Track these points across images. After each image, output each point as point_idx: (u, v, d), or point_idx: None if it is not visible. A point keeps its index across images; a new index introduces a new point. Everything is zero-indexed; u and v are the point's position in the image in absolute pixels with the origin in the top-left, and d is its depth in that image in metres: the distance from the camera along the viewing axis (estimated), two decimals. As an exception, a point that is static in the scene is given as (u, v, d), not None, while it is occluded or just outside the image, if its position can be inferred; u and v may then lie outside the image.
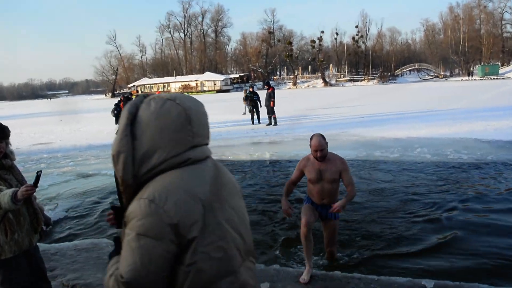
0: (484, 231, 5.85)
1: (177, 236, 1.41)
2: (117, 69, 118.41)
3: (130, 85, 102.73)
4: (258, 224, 6.54)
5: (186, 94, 1.90)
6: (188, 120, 1.54)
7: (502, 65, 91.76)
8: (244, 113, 25.67)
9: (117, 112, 19.83)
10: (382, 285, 4.21)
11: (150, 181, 1.49)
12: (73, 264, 5.14)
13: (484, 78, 78.06)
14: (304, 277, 4.37)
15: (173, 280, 1.44)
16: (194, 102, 1.62)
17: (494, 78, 75.58)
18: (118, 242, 1.61)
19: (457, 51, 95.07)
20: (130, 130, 1.51)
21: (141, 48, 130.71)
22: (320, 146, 4.45)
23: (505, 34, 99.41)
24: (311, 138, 4.56)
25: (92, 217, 7.65)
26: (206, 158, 1.62)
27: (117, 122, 19.60)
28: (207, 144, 1.65)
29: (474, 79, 78.33)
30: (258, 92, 21.70)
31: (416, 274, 4.64)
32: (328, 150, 4.59)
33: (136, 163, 1.51)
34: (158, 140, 1.50)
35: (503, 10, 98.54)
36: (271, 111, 20.08)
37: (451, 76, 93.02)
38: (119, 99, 22.39)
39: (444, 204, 7.10)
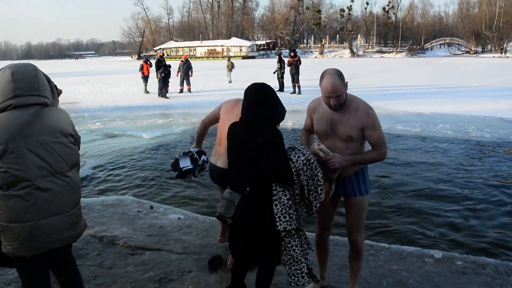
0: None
1: None
2: (143, 31, 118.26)
3: (156, 48, 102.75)
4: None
5: (28, 62, 2.74)
6: (11, 79, 2.47)
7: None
8: (230, 82, 26.30)
9: (165, 72, 20.06)
10: (392, 253, 4.39)
11: None
12: (100, 218, 5.45)
13: (517, 55, 75.87)
14: None
15: None
16: (23, 67, 2.56)
17: (527, 56, 73.43)
18: None
19: (491, 26, 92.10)
20: None
21: (168, 11, 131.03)
22: (334, 92, 3.03)
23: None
24: (321, 77, 3.15)
25: (117, 175, 7.98)
26: (28, 105, 2.48)
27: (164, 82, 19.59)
28: (34, 95, 2.52)
29: (506, 57, 76.22)
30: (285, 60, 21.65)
31: (426, 246, 4.83)
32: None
33: None
34: None
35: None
36: (296, 80, 20.11)
37: (483, 52, 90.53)
38: (143, 60, 22.62)
39: (459, 179, 7.21)
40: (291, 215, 2.95)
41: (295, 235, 3.01)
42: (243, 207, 2.91)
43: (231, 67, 27.03)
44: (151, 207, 5.84)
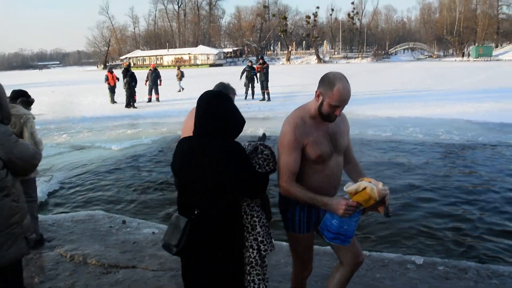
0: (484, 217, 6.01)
1: None
2: (109, 41, 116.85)
3: (122, 57, 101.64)
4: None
5: None
6: None
7: (496, 46, 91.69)
8: (179, 91, 26.06)
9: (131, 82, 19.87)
10: (373, 260, 4.34)
11: None
12: (70, 235, 5.23)
13: (478, 59, 78.01)
14: None
15: None
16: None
17: (487, 60, 75.56)
18: None
19: (452, 31, 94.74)
20: None
21: (134, 20, 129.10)
22: (348, 100, 2.67)
23: (500, 16, 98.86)
24: (330, 82, 2.64)
25: (86, 189, 7.72)
26: None
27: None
28: None
29: (467, 60, 78.30)
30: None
31: (407, 252, 4.79)
32: None
33: None
34: None
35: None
36: (265, 87, 20.13)
37: (445, 56, 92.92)
38: (107, 70, 22.26)
39: (433, 183, 7.25)
40: (270, 235, 2.76)
41: (261, 267, 2.69)
42: (190, 234, 2.54)
43: (180, 76, 26.88)
44: (124, 221, 5.65)
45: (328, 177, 2.80)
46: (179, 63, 64.01)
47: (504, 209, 6.03)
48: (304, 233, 2.89)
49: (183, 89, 25.76)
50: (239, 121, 2.59)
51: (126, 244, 4.92)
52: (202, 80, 29.73)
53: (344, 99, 2.61)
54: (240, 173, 2.48)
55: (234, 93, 3.74)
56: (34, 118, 4.69)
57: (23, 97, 4.89)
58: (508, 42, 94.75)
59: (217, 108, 2.53)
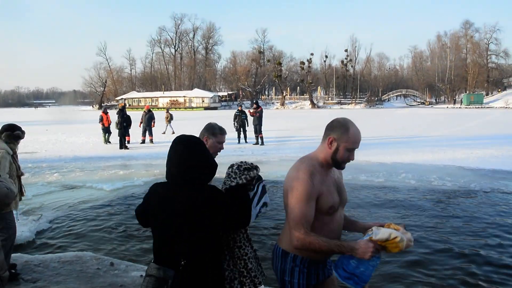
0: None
1: None
2: (105, 81, 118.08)
3: (118, 98, 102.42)
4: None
5: None
6: None
7: (487, 94, 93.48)
8: (164, 132, 26.04)
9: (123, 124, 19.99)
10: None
11: None
12: (56, 277, 5.11)
13: (469, 106, 79.36)
14: None
15: None
16: None
17: (478, 107, 76.88)
18: None
19: (443, 78, 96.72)
20: None
21: (131, 62, 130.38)
22: (359, 142, 2.63)
23: (490, 64, 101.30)
24: (344, 126, 2.60)
25: (75, 230, 7.60)
26: None
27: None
28: None
29: (459, 107, 79.53)
30: (246, 111, 21.89)
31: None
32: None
33: None
34: None
35: (488, 41, 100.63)
36: (258, 131, 20.22)
37: (436, 103, 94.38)
38: (101, 111, 22.38)
39: (426, 223, 7.21)
40: (260, 264, 2.79)
41: None
42: (178, 286, 2.42)
43: (170, 118, 27.09)
44: (112, 264, 5.54)
45: (334, 232, 2.69)
46: (168, 106, 64.23)
47: (500, 249, 5.98)
48: None
49: (173, 132, 25.73)
50: (212, 164, 2.58)
51: (113, 287, 4.81)
52: (197, 123, 29.82)
53: (359, 140, 2.60)
54: (222, 215, 2.45)
55: (223, 133, 3.70)
56: (10, 154, 4.74)
57: (7, 131, 5.01)
58: (498, 90, 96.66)
59: (196, 153, 2.50)
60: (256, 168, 2.81)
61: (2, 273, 2.66)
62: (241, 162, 2.82)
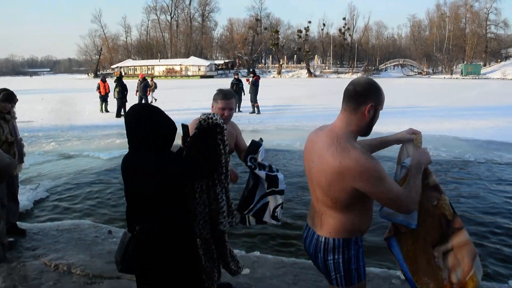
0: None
1: None
2: (101, 49, 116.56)
3: (113, 66, 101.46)
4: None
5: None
6: None
7: (484, 65, 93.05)
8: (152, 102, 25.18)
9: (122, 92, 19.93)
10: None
11: None
12: (55, 244, 5.18)
13: (466, 77, 79.05)
14: None
15: None
16: None
17: (476, 78, 76.62)
18: None
19: (441, 48, 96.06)
20: None
21: (126, 29, 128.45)
22: None
23: (489, 35, 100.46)
24: (377, 88, 2.39)
25: (73, 198, 7.67)
26: None
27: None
28: None
29: (456, 78, 79.27)
30: (243, 79, 21.86)
31: (392, 267, 4.79)
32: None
33: None
34: None
35: (488, 10, 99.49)
36: (254, 99, 20.19)
37: (434, 73, 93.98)
38: (100, 79, 22.23)
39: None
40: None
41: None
42: (134, 250, 2.49)
43: (154, 87, 26.63)
44: (110, 231, 5.61)
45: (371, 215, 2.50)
46: (152, 75, 62.66)
47: (488, 220, 6.10)
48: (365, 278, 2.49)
49: (155, 100, 25.08)
50: (168, 132, 2.56)
51: (112, 254, 4.85)
52: (195, 91, 29.72)
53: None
54: (182, 175, 2.52)
55: (225, 98, 3.54)
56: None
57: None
58: (496, 61, 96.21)
59: (144, 122, 2.50)
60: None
61: (3, 240, 2.73)
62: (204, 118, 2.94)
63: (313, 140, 2.45)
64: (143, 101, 21.66)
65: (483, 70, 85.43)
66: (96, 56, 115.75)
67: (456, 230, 2.51)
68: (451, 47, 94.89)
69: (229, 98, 3.53)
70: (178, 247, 2.53)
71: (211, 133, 2.88)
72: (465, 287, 2.46)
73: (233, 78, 21.86)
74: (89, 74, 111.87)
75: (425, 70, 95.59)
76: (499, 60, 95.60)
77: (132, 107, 2.61)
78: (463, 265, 2.46)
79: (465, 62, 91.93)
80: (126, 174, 2.58)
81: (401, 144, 2.77)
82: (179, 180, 2.50)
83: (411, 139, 2.73)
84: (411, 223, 2.56)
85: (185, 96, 26.66)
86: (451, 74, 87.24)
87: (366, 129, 2.36)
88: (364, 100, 2.29)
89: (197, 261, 2.70)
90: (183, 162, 2.62)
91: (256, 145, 3.35)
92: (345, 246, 2.37)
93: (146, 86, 21.64)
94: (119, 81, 20.02)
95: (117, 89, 19.75)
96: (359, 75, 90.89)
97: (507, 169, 9.59)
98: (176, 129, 2.61)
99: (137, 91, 21.71)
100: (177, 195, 2.52)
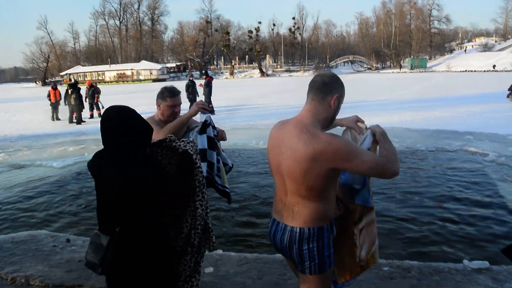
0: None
1: None
2: (48, 56, 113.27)
3: (62, 73, 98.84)
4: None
5: None
6: None
7: (430, 58, 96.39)
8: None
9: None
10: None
11: None
12: (10, 257, 5.01)
13: (413, 71, 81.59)
14: None
15: None
16: None
17: (422, 71, 79.18)
18: None
19: (389, 44, 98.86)
20: None
21: (74, 35, 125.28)
22: None
23: (433, 30, 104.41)
24: (339, 81, 2.52)
25: (27, 209, 7.44)
26: None
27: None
28: None
29: (404, 72, 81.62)
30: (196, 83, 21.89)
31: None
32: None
33: None
34: None
35: (431, 7, 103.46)
36: (208, 100, 20.19)
37: (383, 68, 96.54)
38: (50, 87, 21.74)
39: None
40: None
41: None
42: (113, 252, 2.43)
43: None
44: (68, 240, 5.48)
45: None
46: (97, 81, 60.74)
47: (444, 205, 6.33)
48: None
49: (103, 107, 24.03)
50: (141, 131, 2.52)
51: (71, 263, 4.78)
52: (148, 95, 29.26)
53: None
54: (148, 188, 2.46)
55: (174, 95, 3.65)
56: None
57: None
58: (441, 54, 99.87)
59: (131, 123, 2.47)
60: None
61: None
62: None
63: (278, 134, 2.51)
64: (94, 107, 21.38)
65: (429, 64, 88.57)
66: (44, 63, 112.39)
67: (369, 209, 2.69)
68: (398, 43, 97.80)
69: (177, 95, 3.63)
70: (148, 252, 2.50)
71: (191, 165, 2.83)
72: (368, 264, 2.69)
73: (188, 80, 21.79)
74: (37, 82, 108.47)
75: (374, 65, 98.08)
76: (446, 53, 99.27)
77: (106, 109, 2.56)
78: (367, 242, 2.67)
79: (411, 57, 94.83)
80: (97, 175, 2.52)
81: (344, 128, 2.96)
82: (148, 184, 2.45)
83: (355, 127, 2.93)
84: (370, 201, 2.70)
85: (138, 100, 26.30)
86: (400, 68, 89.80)
87: (331, 120, 2.50)
88: (330, 90, 2.43)
89: (170, 268, 2.66)
90: (154, 166, 2.58)
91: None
92: (320, 234, 2.42)
93: (93, 93, 21.36)
94: (75, 88, 19.72)
95: (73, 96, 19.31)
96: (310, 73, 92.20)
97: (456, 156, 9.98)
98: (151, 129, 2.57)
99: (86, 97, 21.31)
100: (146, 200, 2.48)
